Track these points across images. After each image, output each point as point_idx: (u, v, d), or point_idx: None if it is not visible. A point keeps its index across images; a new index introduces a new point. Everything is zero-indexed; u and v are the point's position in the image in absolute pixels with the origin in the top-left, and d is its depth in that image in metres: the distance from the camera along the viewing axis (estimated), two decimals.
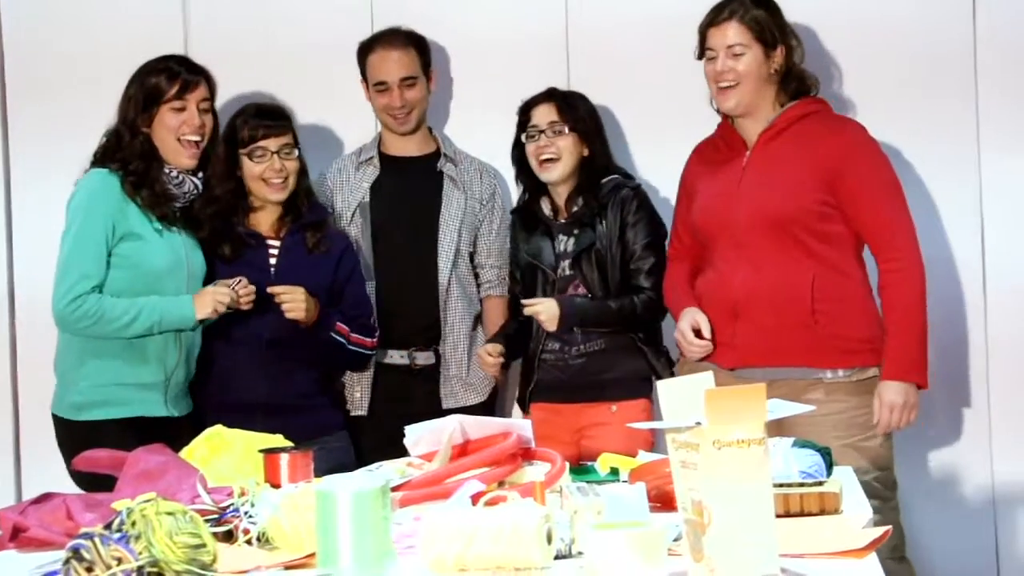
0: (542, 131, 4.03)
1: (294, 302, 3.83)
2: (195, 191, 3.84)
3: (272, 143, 3.93)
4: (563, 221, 4.08)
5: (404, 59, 4.22)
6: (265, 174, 3.93)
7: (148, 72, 3.83)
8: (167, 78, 3.80)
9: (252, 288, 3.78)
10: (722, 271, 3.81)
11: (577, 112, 4.06)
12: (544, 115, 4.05)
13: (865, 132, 3.83)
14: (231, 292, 3.75)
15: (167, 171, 3.80)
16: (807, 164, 3.74)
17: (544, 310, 3.95)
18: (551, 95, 4.09)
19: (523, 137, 4.08)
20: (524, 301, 4.01)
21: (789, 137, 3.78)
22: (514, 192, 4.30)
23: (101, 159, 3.80)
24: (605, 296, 4.00)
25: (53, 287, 3.71)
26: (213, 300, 3.73)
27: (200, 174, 3.85)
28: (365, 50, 4.27)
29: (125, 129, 3.80)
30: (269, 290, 3.83)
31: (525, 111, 4.09)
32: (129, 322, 3.69)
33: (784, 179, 3.74)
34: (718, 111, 3.90)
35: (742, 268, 3.76)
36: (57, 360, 3.84)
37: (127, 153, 3.77)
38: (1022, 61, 4.30)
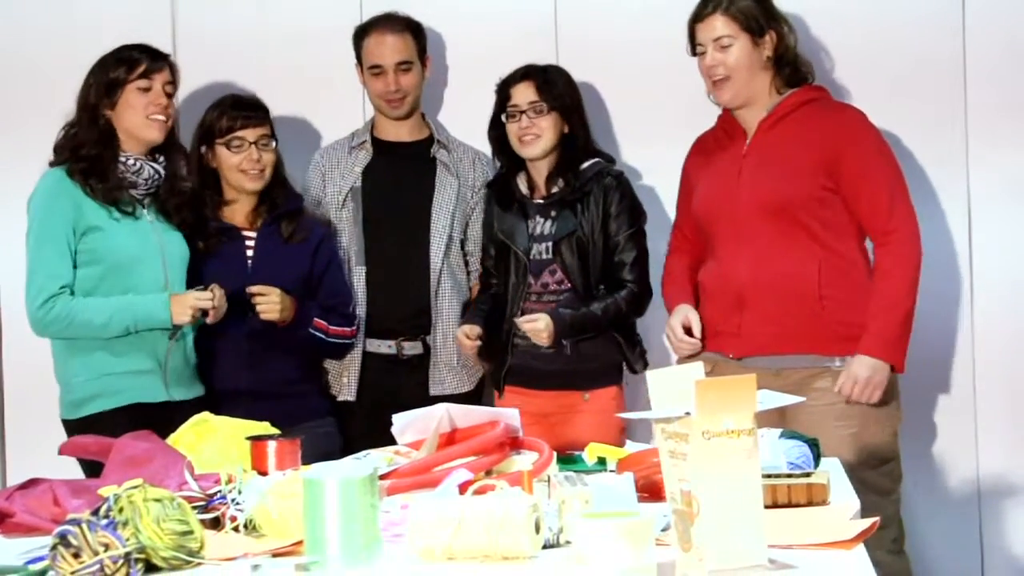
0: (523, 111, 4.00)
1: (268, 303, 3.84)
2: (157, 176, 3.82)
3: (250, 133, 3.93)
4: (540, 201, 4.05)
5: (400, 44, 4.20)
6: (242, 164, 3.92)
7: (111, 58, 3.82)
8: (132, 61, 3.80)
9: (224, 307, 3.75)
10: (726, 261, 3.78)
11: (557, 90, 4.01)
12: (524, 94, 4.01)
13: (865, 118, 3.82)
14: (210, 298, 3.73)
15: (123, 159, 3.77)
16: (806, 149, 3.72)
17: (545, 327, 3.88)
18: (529, 73, 4.04)
19: (503, 117, 4.04)
20: (520, 320, 3.93)
21: (789, 124, 3.77)
22: None
23: (57, 153, 3.79)
24: (587, 298, 3.95)
25: (24, 292, 3.72)
26: (192, 307, 3.70)
27: (160, 159, 3.84)
28: (361, 34, 4.24)
29: (85, 115, 3.79)
30: (247, 291, 3.84)
31: (504, 89, 4.05)
32: (103, 324, 3.68)
33: (784, 164, 3.72)
34: (717, 104, 3.89)
35: (746, 257, 3.74)
36: (55, 366, 3.83)
37: (82, 139, 3.75)
38: (1011, 57, 4.30)
